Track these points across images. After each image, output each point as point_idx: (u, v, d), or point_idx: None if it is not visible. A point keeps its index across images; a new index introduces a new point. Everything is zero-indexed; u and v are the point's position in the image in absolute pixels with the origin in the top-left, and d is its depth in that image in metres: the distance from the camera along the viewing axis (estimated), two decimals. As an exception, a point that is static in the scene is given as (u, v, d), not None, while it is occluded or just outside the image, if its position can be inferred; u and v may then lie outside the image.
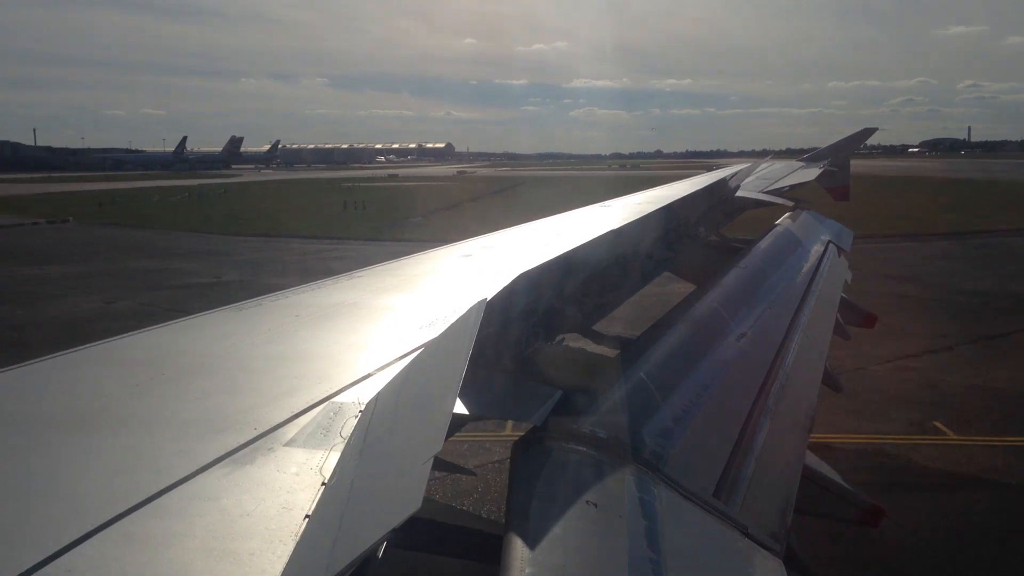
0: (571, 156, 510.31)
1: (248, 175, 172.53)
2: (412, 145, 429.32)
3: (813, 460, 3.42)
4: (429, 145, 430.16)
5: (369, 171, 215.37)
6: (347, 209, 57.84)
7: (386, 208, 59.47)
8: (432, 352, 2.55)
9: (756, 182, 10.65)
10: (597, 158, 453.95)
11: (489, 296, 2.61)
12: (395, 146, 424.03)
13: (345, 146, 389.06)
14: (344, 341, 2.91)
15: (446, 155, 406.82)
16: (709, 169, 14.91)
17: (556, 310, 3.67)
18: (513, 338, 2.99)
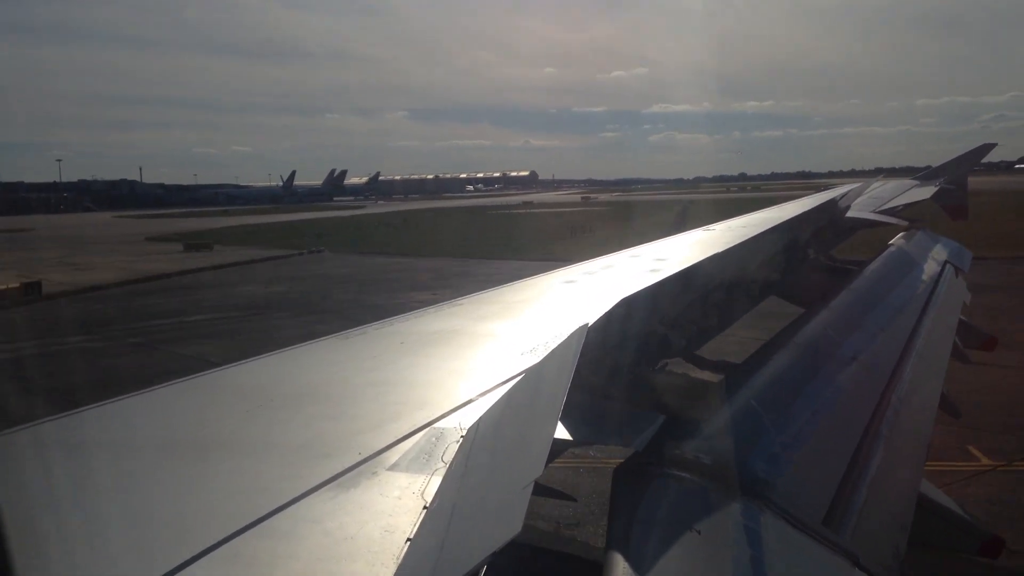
0: (654, 180, 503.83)
1: (370, 207, 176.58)
2: (496, 174, 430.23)
3: (929, 488, 3.27)
4: (513, 173, 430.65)
5: (480, 199, 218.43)
6: (576, 234, 58.81)
7: (608, 231, 57.84)
8: (533, 378, 2.55)
9: (868, 201, 10.28)
10: (680, 182, 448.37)
11: (591, 321, 2.60)
12: (480, 175, 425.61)
13: (431, 176, 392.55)
14: (446, 367, 2.95)
15: (530, 183, 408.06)
16: (819, 190, 14.46)
17: (658, 335, 3.62)
18: (615, 363, 2.97)
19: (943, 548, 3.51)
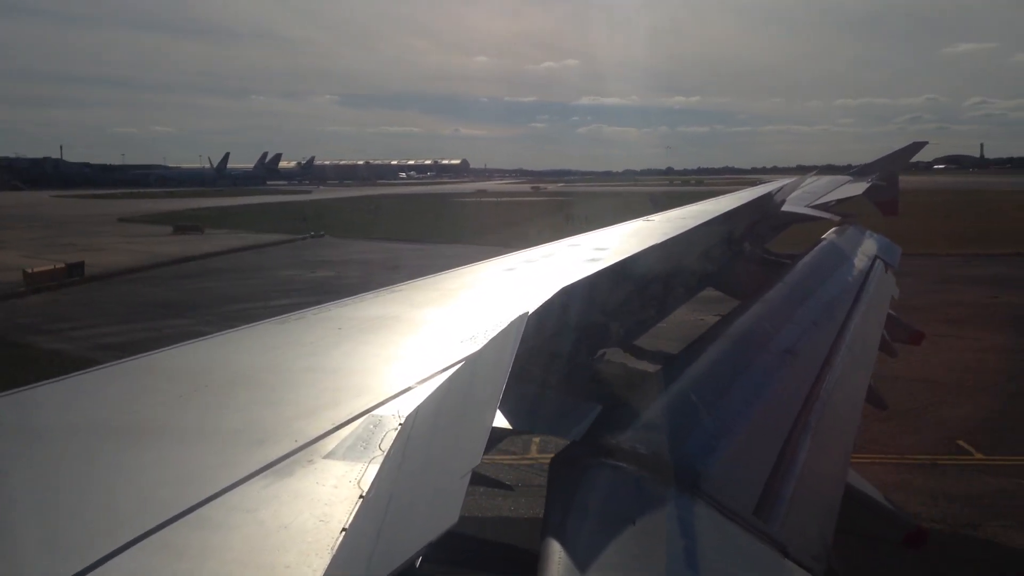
0: (585, 172, 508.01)
1: (317, 192, 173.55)
2: (428, 162, 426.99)
3: (856, 479, 3.35)
4: (444, 161, 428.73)
5: (426, 187, 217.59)
6: (573, 221, 57.05)
7: (605, 218, 58.48)
8: (473, 366, 2.55)
9: (802, 196, 10.50)
10: (608, 175, 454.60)
11: (530, 310, 2.60)
12: (411, 163, 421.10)
13: (362, 163, 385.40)
14: (385, 354, 2.93)
15: (462, 171, 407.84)
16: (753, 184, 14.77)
17: (597, 324, 3.65)
18: (554, 352, 2.98)
19: (869, 536, 3.60)
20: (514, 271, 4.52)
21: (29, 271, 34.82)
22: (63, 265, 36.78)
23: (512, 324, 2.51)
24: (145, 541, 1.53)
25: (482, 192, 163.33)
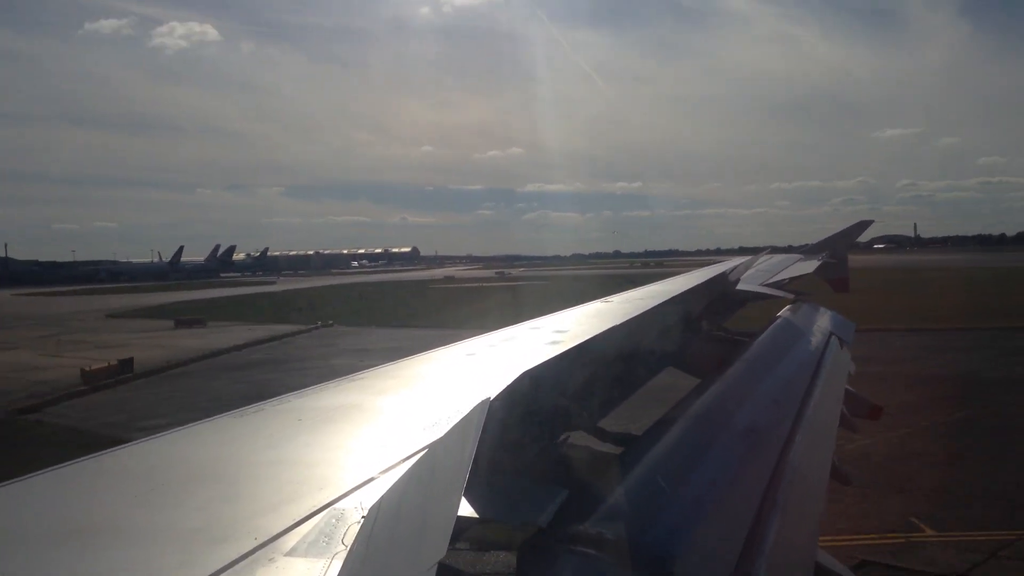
0: (533, 257, 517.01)
1: (282, 283, 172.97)
2: (379, 250, 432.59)
3: (825, 557, 3.34)
4: (395, 249, 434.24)
5: (390, 275, 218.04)
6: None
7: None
8: (435, 454, 2.52)
9: (756, 275, 10.70)
10: (557, 259, 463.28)
11: (492, 395, 2.59)
12: (362, 251, 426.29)
13: (312, 252, 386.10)
14: (346, 444, 2.88)
15: (413, 259, 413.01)
16: (704, 265, 15.10)
17: (560, 408, 3.64)
18: (517, 438, 2.96)
19: None
20: (475, 356, 4.51)
21: (87, 369, 35.03)
22: (116, 362, 37.17)
23: (474, 410, 2.50)
24: None
25: (451, 278, 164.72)
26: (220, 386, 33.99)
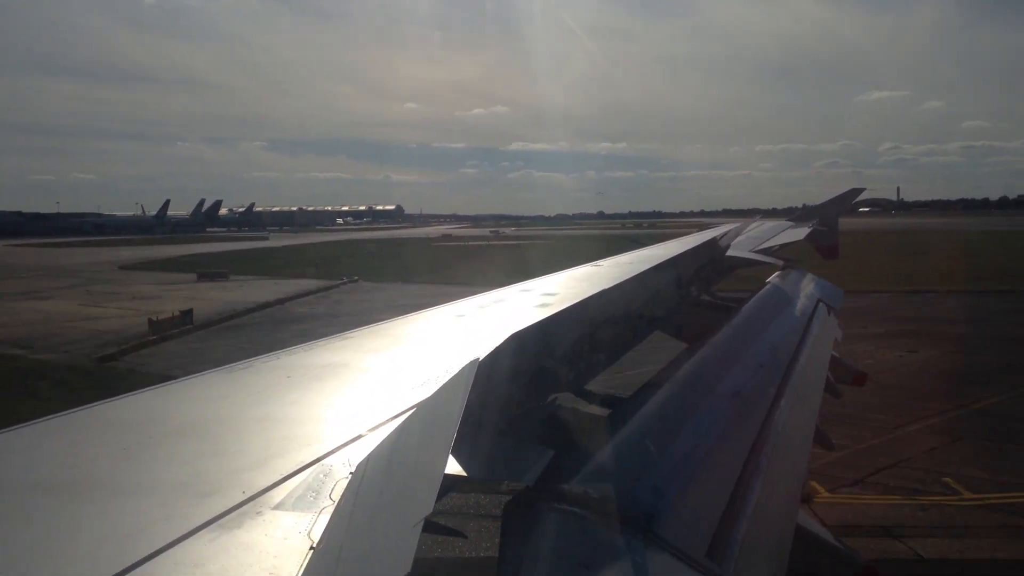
0: (518, 217, 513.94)
1: (275, 239, 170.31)
2: (363, 207, 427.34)
3: (806, 519, 3.39)
4: (379, 207, 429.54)
5: (381, 232, 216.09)
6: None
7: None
8: (424, 413, 2.54)
9: (746, 241, 10.73)
10: (541, 219, 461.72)
11: (481, 356, 2.61)
12: (345, 208, 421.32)
13: (296, 208, 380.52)
14: (335, 402, 2.90)
15: (397, 217, 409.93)
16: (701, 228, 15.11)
17: (548, 370, 3.66)
18: (505, 398, 2.98)
19: None
20: (465, 317, 4.52)
21: (154, 319, 35.26)
22: (179, 313, 37.30)
23: (463, 370, 2.51)
24: None
25: (449, 236, 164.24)
26: (286, 337, 33.05)
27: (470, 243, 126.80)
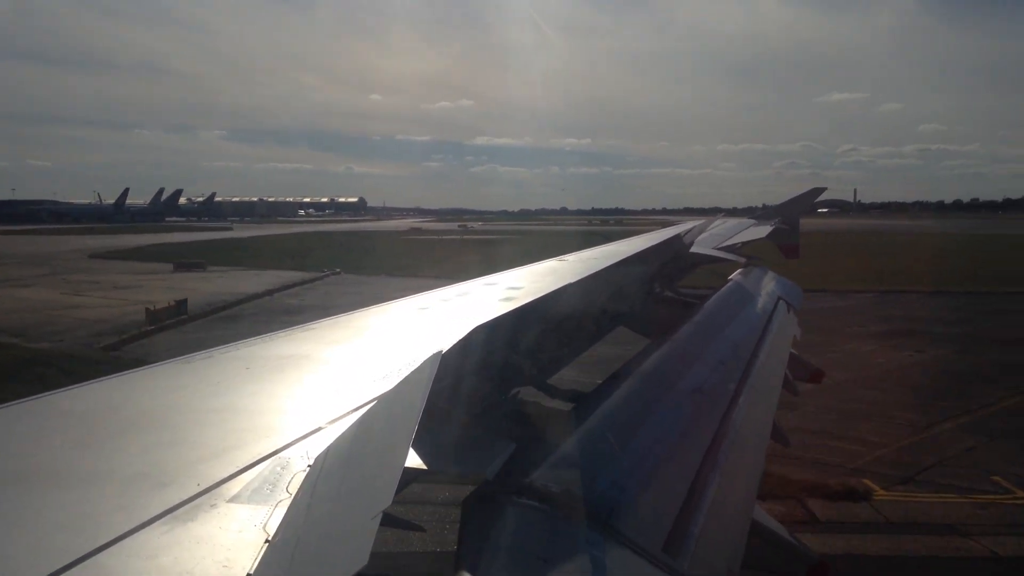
0: (482, 212, 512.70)
1: (239, 229, 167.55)
2: (324, 199, 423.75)
3: (761, 515, 3.43)
4: (342, 199, 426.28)
5: (347, 224, 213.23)
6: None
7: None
8: (385, 405, 2.52)
9: (710, 238, 10.81)
10: (505, 214, 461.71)
11: (444, 349, 2.59)
12: (307, 199, 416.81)
13: (256, 199, 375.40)
14: (294, 394, 2.86)
15: (360, 209, 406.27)
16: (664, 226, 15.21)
17: (511, 363, 3.66)
18: (468, 391, 2.97)
19: (774, 571, 3.68)
20: (428, 310, 4.50)
21: (151, 308, 34.98)
22: (175, 303, 36.99)
23: (425, 363, 2.50)
24: None
25: (418, 230, 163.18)
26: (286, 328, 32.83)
27: (443, 237, 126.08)
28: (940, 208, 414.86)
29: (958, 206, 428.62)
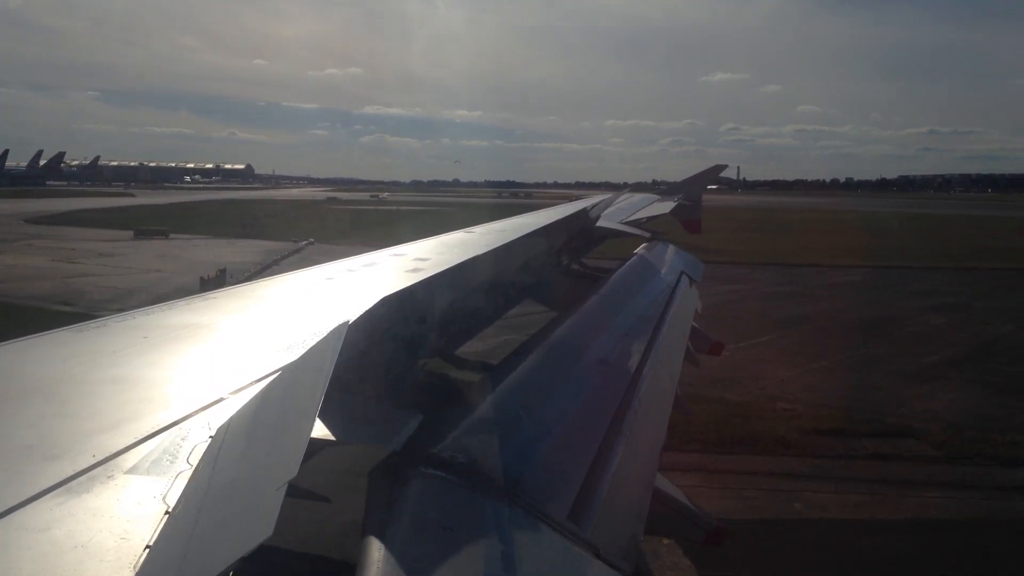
0: (372, 182, 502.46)
1: (144, 195, 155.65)
2: (210, 165, 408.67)
3: (663, 482, 3.53)
4: (228, 166, 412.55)
5: (250, 192, 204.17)
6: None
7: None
8: (290, 376, 2.49)
9: (615, 213, 10.98)
10: (396, 184, 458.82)
11: (351, 319, 2.57)
12: (191, 165, 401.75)
13: (136, 163, 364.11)
14: (195, 364, 2.79)
15: (247, 176, 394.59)
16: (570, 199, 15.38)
17: (419, 334, 3.65)
18: (375, 362, 2.95)
19: (675, 536, 3.81)
20: (334, 280, 4.44)
21: (205, 278, 33.92)
22: (218, 272, 35.86)
23: (332, 333, 2.47)
24: None
25: (336, 200, 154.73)
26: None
27: (378, 208, 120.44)
28: (820, 186, 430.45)
29: (835, 184, 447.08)
